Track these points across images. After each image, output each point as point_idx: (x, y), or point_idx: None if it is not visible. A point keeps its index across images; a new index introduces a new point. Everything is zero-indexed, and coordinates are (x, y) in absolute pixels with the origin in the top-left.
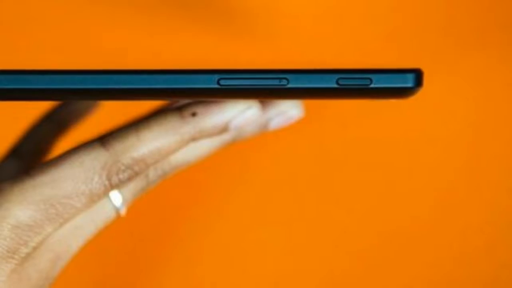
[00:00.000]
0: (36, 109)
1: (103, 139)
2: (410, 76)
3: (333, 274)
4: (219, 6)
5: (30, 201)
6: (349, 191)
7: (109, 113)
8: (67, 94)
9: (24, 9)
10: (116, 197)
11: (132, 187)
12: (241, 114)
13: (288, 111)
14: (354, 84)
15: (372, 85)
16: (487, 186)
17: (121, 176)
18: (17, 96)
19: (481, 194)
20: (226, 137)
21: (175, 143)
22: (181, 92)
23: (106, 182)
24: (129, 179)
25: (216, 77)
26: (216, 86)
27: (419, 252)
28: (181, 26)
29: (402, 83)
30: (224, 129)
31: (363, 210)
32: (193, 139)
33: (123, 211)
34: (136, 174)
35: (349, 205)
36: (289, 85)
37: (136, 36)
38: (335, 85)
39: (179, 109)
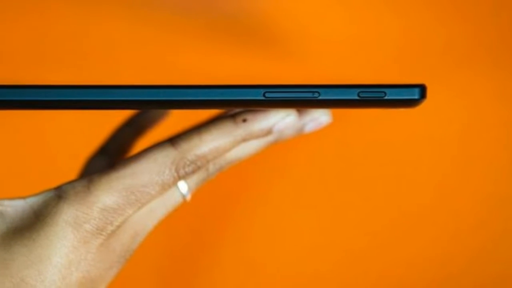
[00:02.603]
0: (119, 116)
1: (172, 140)
2: (416, 90)
3: (353, 247)
4: (263, 34)
5: (115, 189)
6: (367, 182)
7: (176, 120)
8: (146, 104)
9: (110, 36)
10: (183, 186)
11: (196, 178)
12: (282, 120)
13: (319, 117)
14: (372, 96)
15: (386, 97)
16: (476, 177)
17: (186, 169)
18: (108, 105)
19: (472, 183)
20: (270, 138)
21: (230, 143)
22: (234, 102)
23: (175, 174)
24: (193, 172)
25: (262, 90)
26: (262, 98)
27: (423, 230)
28: (232, 50)
29: (410, 95)
30: (268, 132)
31: (378, 198)
32: (244, 140)
33: (188, 197)
34: (199, 168)
35: (366, 193)
36: (320, 97)
37: (197, 58)
38: (357, 97)
39: (233, 116)
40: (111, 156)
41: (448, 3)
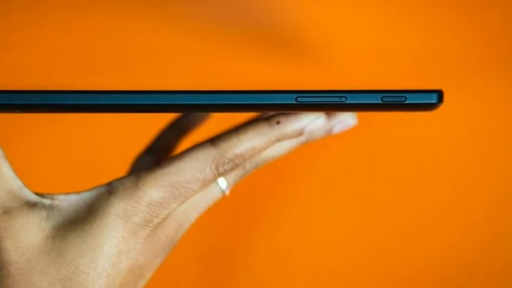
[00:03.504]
0: (164, 118)
1: (213, 140)
2: (434, 95)
3: (377, 238)
4: (294, 44)
5: (160, 185)
6: (388, 178)
7: (216, 122)
8: (189, 108)
9: (155, 46)
10: (222, 182)
11: (234, 175)
12: (313, 122)
13: (346, 120)
14: (394, 101)
15: (406, 101)
16: (488, 174)
17: (226, 167)
18: (154, 109)
19: (484, 180)
20: (301, 139)
21: (265, 143)
22: (269, 106)
23: (215, 172)
24: (232, 169)
25: (294, 95)
26: (294, 102)
27: (439, 223)
28: (266, 58)
29: (428, 100)
30: (300, 133)
31: (398, 192)
32: (278, 140)
33: (227, 193)
34: (237, 165)
35: (388, 188)
36: (347, 101)
37: (234, 66)
38: (380, 101)
39: (268, 119)
40: (157, 155)
41: (462, 15)
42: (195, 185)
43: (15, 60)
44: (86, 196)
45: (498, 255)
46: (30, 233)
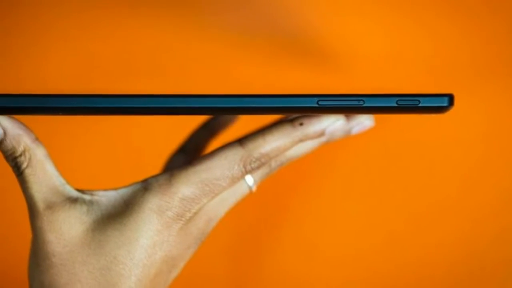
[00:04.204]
0: (195, 121)
1: (241, 141)
2: (446, 99)
3: (393, 230)
4: (316, 51)
5: (192, 182)
6: (403, 175)
7: (243, 123)
8: (218, 110)
9: (186, 52)
10: (249, 180)
11: (260, 173)
12: (333, 124)
13: (364, 122)
14: (408, 104)
15: (420, 105)
16: (496, 173)
17: (252, 165)
18: (186, 112)
19: (492, 178)
20: (322, 139)
21: (289, 143)
22: (293, 109)
23: (243, 169)
24: (258, 167)
25: (316, 99)
26: (316, 105)
27: (450, 217)
28: (290, 65)
29: (440, 103)
30: (321, 134)
31: (413, 188)
32: (301, 140)
33: (254, 189)
34: (263, 164)
35: (403, 184)
36: (365, 105)
37: (260, 71)
38: (395, 105)
39: (291, 121)
40: (189, 154)
41: (472, 24)
42: (224, 182)
43: (58, 67)
44: (123, 192)
45: (506, 247)
46: (72, 226)
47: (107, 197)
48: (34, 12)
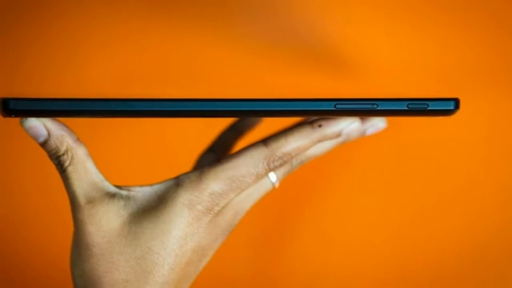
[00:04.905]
0: (223, 122)
1: (265, 141)
2: (452, 102)
3: (404, 224)
4: (334, 59)
5: (220, 178)
6: (413, 173)
7: (267, 125)
8: (245, 113)
9: (218, 61)
10: (273, 176)
11: (282, 170)
12: (349, 126)
13: (378, 123)
14: (417, 107)
15: (428, 108)
16: (498, 171)
17: (275, 163)
18: (216, 114)
19: (495, 177)
20: (339, 140)
21: (308, 143)
22: (312, 112)
23: (266, 167)
24: (280, 165)
25: (333, 103)
26: (334, 108)
27: (456, 211)
28: (310, 71)
29: (447, 106)
30: (338, 135)
31: (422, 185)
32: (319, 141)
33: (277, 185)
34: (285, 162)
35: (413, 182)
36: (378, 108)
37: (283, 78)
38: (406, 108)
39: (311, 123)
40: (217, 153)
41: (476, 34)
42: (249, 179)
43: (98, 73)
44: (157, 188)
45: (509, 242)
46: (110, 219)
47: (142, 192)
48: (77, 23)
